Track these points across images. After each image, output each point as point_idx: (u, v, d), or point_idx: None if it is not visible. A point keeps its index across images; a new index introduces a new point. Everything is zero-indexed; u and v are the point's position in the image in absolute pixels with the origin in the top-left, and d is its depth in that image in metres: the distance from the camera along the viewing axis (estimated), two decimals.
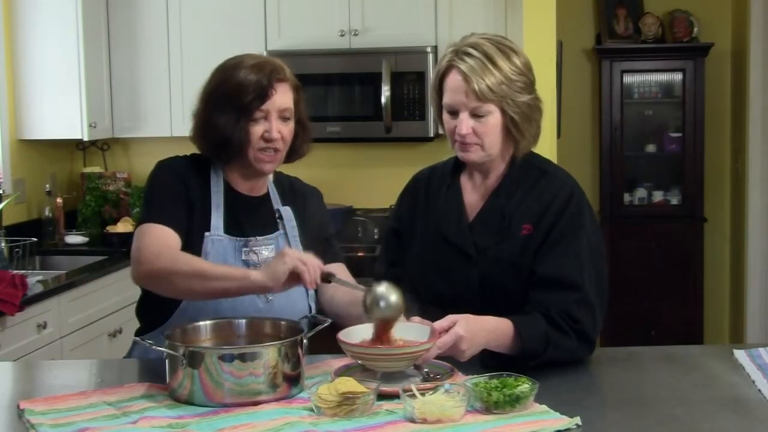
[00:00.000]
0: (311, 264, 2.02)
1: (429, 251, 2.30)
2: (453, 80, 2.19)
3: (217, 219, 2.26)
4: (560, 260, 2.16)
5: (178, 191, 2.26)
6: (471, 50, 2.18)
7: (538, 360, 2.08)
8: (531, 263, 2.18)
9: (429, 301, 2.27)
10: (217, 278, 2.07)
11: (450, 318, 2.02)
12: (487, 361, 2.06)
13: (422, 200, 2.38)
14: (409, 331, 2.04)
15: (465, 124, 2.19)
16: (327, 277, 2.07)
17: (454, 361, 2.04)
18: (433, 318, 2.09)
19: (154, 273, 2.13)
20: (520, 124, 2.21)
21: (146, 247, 2.16)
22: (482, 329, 2.05)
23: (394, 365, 1.95)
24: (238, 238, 2.27)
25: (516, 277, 2.19)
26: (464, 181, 2.33)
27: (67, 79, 4.61)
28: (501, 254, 2.21)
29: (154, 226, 2.19)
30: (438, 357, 2.02)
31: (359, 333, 2.05)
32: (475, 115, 2.18)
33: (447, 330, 2.00)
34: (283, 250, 2.08)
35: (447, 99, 2.22)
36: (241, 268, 2.18)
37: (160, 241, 2.16)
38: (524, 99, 2.20)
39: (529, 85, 2.22)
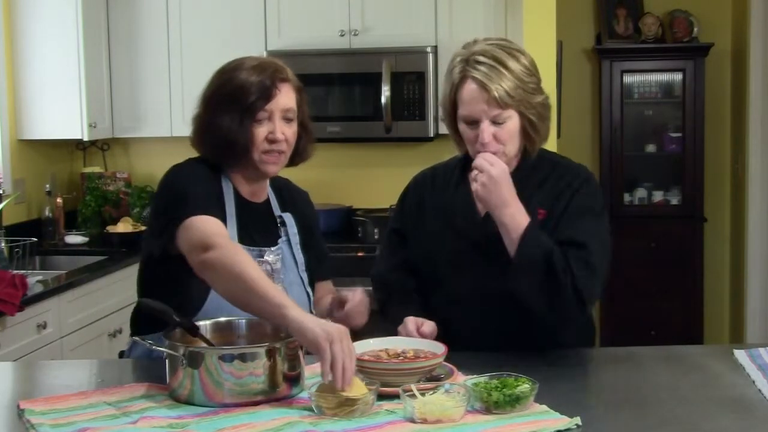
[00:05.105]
0: (346, 357, 1.83)
1: (440, 248, 2.29)
2: (469, 90, 2.17)
3: (231, 228, 2.21)
4: (569, 227, 2.18)
5: (211, 186, 2.20)
6: (481, 57, 2.17)
7: (533, 278, 2.09)
8: None
9: (443, 298, 2.27)
10: (256, 293, 1.94)
11: None
12: (486, 343, 2.07)
13: (429, 198, 2.37)
14: (417, 344, 2.04)
15: (487, 132, 2.17)
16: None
17: (454, 362, 2.03)
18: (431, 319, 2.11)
19: (208, 263, 2.03)
20: (537, 125, 2.22)
21: (198, 237, 2.07)
22: (510, 189, 2.13)
23: (404, 380, 1.91)
24: (252, 248, 2.22)
25: None
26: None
27: (67, 79, 4.61)
28: None
29: (198, 218, 2.10)
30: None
31: (366, 347, 2.04)
32: (495, 122, 2.18)
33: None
34: (335, 326, 1.88)
35: (464, 110, 2.20)
36: (282, 295, 1.97)
37: (211, 229, 2.07)
38: (539, 100, 2.21)
39: (539, 85, 2.24)
